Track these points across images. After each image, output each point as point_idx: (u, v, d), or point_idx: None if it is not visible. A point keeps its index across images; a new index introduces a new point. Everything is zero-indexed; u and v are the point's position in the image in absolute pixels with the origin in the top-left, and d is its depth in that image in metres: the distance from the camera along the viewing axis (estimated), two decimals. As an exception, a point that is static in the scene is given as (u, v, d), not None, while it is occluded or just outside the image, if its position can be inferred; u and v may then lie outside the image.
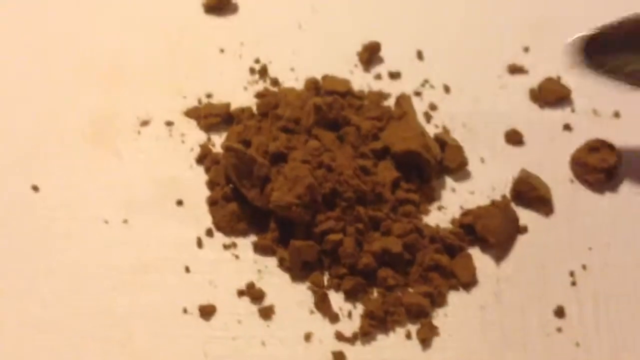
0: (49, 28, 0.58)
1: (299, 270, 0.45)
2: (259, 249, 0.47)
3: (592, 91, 0.53)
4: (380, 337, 0.44)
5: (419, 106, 0.53)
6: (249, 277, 0.46)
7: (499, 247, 0.46)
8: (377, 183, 0.47)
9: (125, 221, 0.48)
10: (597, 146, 0.49)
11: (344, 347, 0.43)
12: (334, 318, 0.44)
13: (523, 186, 0.48)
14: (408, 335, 0.44)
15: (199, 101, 0.54)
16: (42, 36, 0.58)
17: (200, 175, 0.50)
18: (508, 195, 0.48)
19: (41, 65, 0.56)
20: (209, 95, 0.54)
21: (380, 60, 0.56)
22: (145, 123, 0.53)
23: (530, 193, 0.47)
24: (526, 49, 0.56)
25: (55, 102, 0.54)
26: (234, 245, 0.47)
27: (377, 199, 0.47)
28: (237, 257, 0.47)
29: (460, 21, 0.58)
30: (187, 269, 0.46)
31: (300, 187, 0.45)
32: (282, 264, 0.46)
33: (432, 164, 0.48)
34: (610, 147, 0.49)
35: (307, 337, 0.44)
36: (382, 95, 0.53)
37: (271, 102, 0.52)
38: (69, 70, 0.56)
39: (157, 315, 0.45)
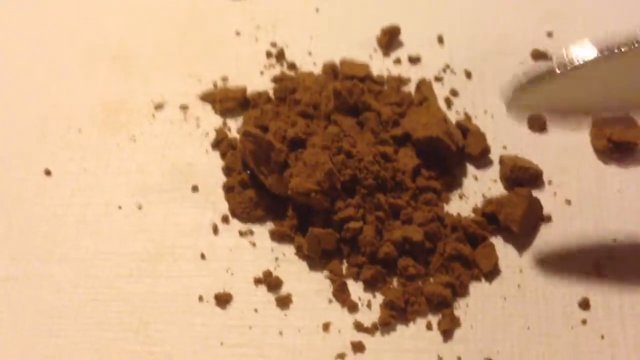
0: (61, 12, 0.57)
1: (317, 258, 0.45)
2: (277, 236, 0.46)
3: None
4: (400, 328, 0.43)
5: (440, 92, 0.51)
6: (266, 265, 0.45)
7: (522, 237, 0.45)
8: (397, 170, 0.46)
9: (139, 207, 0.47)
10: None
11: (363, 338, 0.42)
12: (353, 308, 0.43)
13: (517, 172, 0.47)
14: (429, 326, 0.43)
15: (215, 85, 0.53)
16: (55, 20, 0.57)
17: (216, 161, 0.49)
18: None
19: (53, 50, 0.55)
20: (224, 79, 0.53)
21: (399, 45, 0.55)
22: (159, 107, 0.52)
23: (525, 174, 0.46)
24: (549, 34, 0.55)
25: (68, 86, 0.53)
26: (251, 232, 0.46)
27: (398, 187, 0.46)
28: (253, 244, 0.46)
29: (482, 5, 0.57)
30: (203, 256, 0.45)
31: (320, 173, 0.44)
32: (299, 252, 0.45)
33: (453, 151, 0.47)
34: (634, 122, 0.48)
35: (326, 326, 0.43)
36: (402, 81, 0.52)
37: (288, 86, 0.51)
38: (82, 54, 0.55)
39: (172, 303, 0.44)
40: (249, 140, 0.45)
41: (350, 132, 0.46)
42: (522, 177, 0.47)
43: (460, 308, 0.43)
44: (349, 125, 0.47)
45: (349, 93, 0.47)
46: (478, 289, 0.44)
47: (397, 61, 0.54)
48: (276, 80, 0.52)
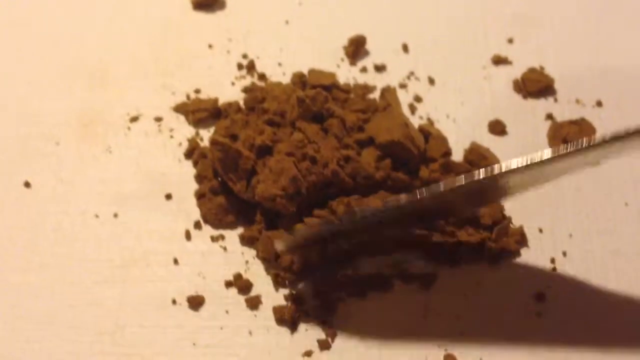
0: (37, 25, 0.59)
1: (272, 259, 0.46)
2: (246, 240, 0.47)
3: (575, 81, 0.54)
4: (365, 325, 0.45)
5: (404, 98, 0.53)
6: (237, 269, 0.47)
7: None
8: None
9: (115, 215, 0.49)
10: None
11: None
12: (319, 307, 0.45)
13: (474, 156, 0.49)
14: (392, 323, 0.44)
15: (188, 97, 0.55)
16: (31, 33, 0.58)
17: (188, 170, 0.51)
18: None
19: (30, 62, 0.57)
20: (197, 91, 0.55)
21: (366, 54, 0.57)
22: (134, 119, 0.54)
23: (481, 162, 0.48)
24: (510, 40, 0.57)
25: (46, 98, 0.55)
26: (222, 237, 0.48)
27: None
28: (224, 249, 0.48)
29: (445, 14, 0.59)
30: (176, 261, 0.47)
31: (285, 179, 0.45)
32: (268, 255, 0.47)
33: (415, 154, 0.49)
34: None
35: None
36: (368, 88, 0.54)
37: (258, 96, 0.53)
38: (59, 66, 0.56)
39: (146, 306, 0.45)
40: (217, 149, 0.47)
41: (314, 139, 0.48)
42: (480, 164, 0.49)
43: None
44: (313, 132, 0.48)
45: (312, 101, 0.49)
46: (438, 284, 0.46)
47: (364, 70, 0.56)
48: (246, 90, 0.54)
